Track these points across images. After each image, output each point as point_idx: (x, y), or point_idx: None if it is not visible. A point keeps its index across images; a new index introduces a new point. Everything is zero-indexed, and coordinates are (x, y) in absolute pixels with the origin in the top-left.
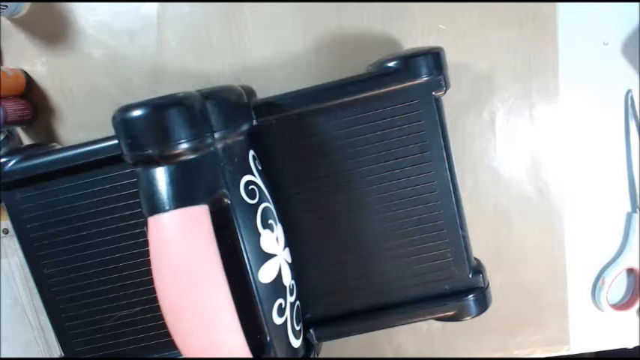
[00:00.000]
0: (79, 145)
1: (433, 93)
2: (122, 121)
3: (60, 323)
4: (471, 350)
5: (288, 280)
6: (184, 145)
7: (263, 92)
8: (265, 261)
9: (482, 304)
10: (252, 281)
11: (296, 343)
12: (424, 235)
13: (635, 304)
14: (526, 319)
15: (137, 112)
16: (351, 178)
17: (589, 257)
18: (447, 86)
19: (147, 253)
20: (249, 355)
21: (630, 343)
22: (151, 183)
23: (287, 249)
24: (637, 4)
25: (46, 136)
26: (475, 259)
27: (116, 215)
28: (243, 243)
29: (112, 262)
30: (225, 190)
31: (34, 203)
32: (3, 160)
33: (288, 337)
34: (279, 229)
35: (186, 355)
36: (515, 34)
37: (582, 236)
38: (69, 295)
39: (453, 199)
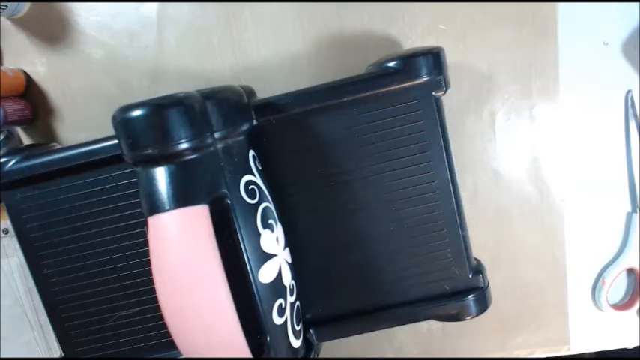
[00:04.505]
0: (79, 145)
1: (433, 93)
2: (122, 120)
3: (60, 323)
4: (471, 350)
5: (288, 280)
6: (184, 145)
7: (263, 92)
8: (265, 261)
9: (482, 304)
10: (252, 281)
11: (296, 343)
12: (424, 235)
13: (635, 304)
14: (526, 319)
15: (137, 112)
16: (351, 178)
17: (589, 257)
18: (447, 86)
19: (147, 253)
20: (249, 355)
21: (630, 343)
22: (151, 183)
23: (287, 249)
24: (637, 4)
25: (46, 136)
26: (475, 259)
27: (116, 215)
28: (243, 243)
29: (112, 262)
30: (225, 190)
31: (34, 203)
32: (3, 160)
33: (288, 337)
34: (279, 229)
35: (186, 355)
36: (515, 34)
37: (582, 236)
38: (69, 295)
39: (453, 199)
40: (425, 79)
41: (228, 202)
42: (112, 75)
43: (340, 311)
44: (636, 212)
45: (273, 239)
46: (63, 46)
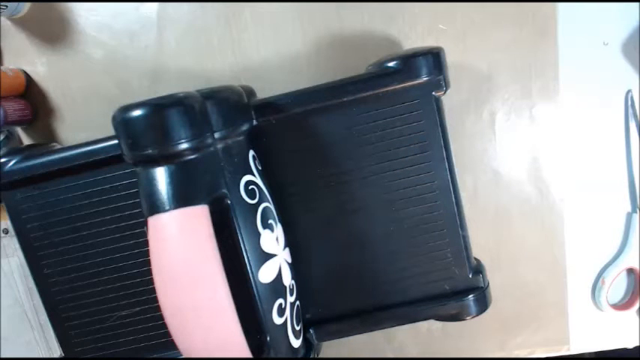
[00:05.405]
0: (79, 145)
1: (433, 93)
2: (122, 120)
3: (60, 323)
4: (471, 350)
5: (288, 280)
6: (184, 145)
7: (263, 92)
8: (265, 261)
9: (482, 304)
10: (252, 281)
11: (296, 343)
12: (424, 235)
13: (635, 304)
14: (526, 319)
15: (137, 112)
16: (351, 178)
17: (589, 257)
18: (447, 86)
19: (147, 253)
20: (249, 355)
21: (630, 343)
22: (151, 183)
23: (287, 249)
24: (637, 4)
25: (46, 136)
26: (475, 259)
27: (116, 215)
28: (243, 243)
29: (112, 262)
30: (225, 190)
31: (34, 203)
32: (3, 160)
33: (288, 337)
34: (279, 229)
35: (186, 355)
36: (515, 34)
37: (582, 236)
38: (69, 295)
39: (453, 199)
40: (425, 79)
41: (228, 202)
42: (112, 75)
43: (340, 311)
44: (636, 212)
45: (273, 239)
46: (63, 46)
